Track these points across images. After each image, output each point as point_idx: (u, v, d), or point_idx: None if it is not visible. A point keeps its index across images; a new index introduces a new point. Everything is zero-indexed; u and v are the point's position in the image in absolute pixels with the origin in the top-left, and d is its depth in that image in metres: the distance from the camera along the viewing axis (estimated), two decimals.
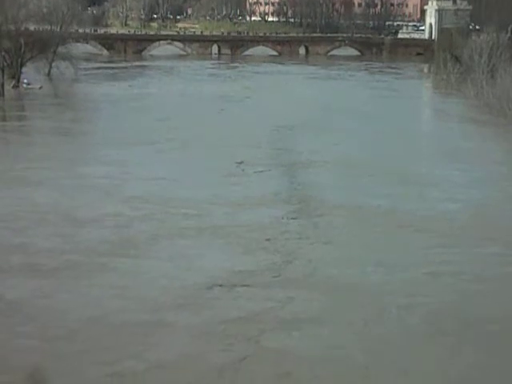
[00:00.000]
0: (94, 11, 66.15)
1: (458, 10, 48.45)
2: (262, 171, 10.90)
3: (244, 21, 67.92)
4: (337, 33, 57.35)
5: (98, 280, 6.55)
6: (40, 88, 24.82)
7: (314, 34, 58.08)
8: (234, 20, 67.29)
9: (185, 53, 43.96)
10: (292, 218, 8.38)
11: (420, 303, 5.88)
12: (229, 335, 5.34)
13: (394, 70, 28.58)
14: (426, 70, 29.55)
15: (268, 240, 7.53)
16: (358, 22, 62.88)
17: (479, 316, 5.89)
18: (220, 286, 6.28)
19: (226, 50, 49.16)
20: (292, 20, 65.63)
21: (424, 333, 5.53)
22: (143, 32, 57.65)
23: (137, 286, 6.37)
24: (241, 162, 11.48)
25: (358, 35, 54.66)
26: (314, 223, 8.20)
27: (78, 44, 33.17)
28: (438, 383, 5.14)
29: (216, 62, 30.70)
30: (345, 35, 54.64)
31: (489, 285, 6.42)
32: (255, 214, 8.57)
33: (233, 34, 56.41)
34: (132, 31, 56.88)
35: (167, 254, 7.28)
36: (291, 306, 5.87)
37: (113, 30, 57.25)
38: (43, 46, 28.36)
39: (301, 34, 57.22)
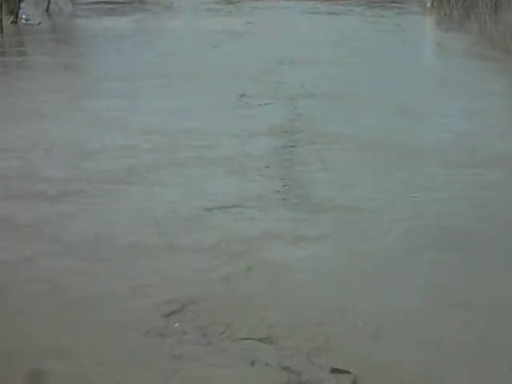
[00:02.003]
0: None
1: None
2: (264, 104, 11.20)
3: None
4: None
5: (104, 204, 6.87)
6: (39, 24, 24.85)
7: None
8: None
9: None
10: (293, 147, 8.76)
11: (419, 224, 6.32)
12: (234, 251, 5.77)
13: (395, 5, 28.52)
14: (428, 5, 29.50)
15: (269, 167, 7.90)
16: None
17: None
18: (223, 208, 6.69)
19: None
20: None
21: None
22: None
23: (143, 209, 6.68)
24: (242, 95, 11.76)
25: None
26: (314, 151, 8.60)
27: None
28: None
29: None
30: None
31: (477, 202, 6.87)
32: (259, 143, 8.93)
33: None
34: None
35: (173, 181, 7.60)
36: (291, 224, 6.32)
37: None
38: None
39: None
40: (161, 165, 8.09)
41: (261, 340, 4.38)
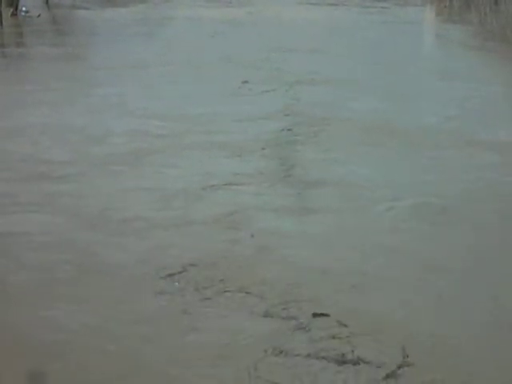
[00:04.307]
0: None
1: None
2: (265, 90, 11.72)
3: None
4: None
5: (109, 184, 7.22)
6: (38, 16, 25.13)
7: None
8: None
9: None
10: (290, 130, 9.29)
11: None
12: (232, 222, 6.26)
13: None
14: None
15: (265, 149, 8.39)
16: None
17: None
18: (222, 185, 7.20)
19: None
20: None
21: None
22: None
23: (147, 188, 7.08)
24: (245, 82, 12.26)
25: None
26: (311, 133, 9.14)
27: None
28: None
29: None
30: None
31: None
32: (258, 127, 9.43)
33: None
34: None
35: (176, 163, 7.96)
36: (285, 199, 6.84)
37: None
38: None
39: None
40: (165, 148, 8.54)
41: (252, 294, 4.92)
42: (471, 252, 5.72)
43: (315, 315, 4.55)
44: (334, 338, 4.33)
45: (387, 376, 3.94)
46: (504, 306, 4.78)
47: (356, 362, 4.05)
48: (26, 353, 4.20)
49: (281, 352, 4.18)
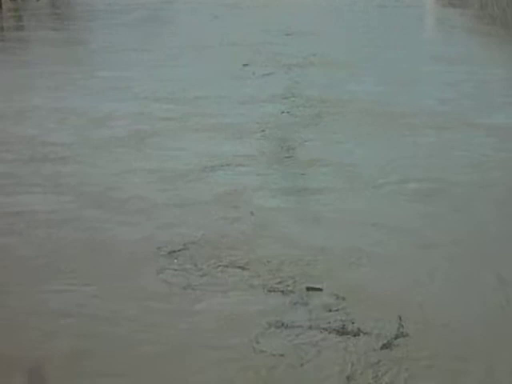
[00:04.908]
0: None
1: None
2: (265, 72, 11.86)
3: None
4: None
5: (112, 165, 7.32)
6: (38, 0, 25.24)
7: None
8: None
9: None
10: (289, 112, 9.44)
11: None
12: (231, 201, 6.42)
13: None
14: None
15: (264, 131, 8.54)
16: None
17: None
18: (222, 166, 7.36)
19: None
20: None
21: None
22: None
23: (148, 169, 7.20)
24: (246, 65, 12.40)
25: None
26: (309, 115, 9.29)
27: None
28: None
29: None
30: None
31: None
32: (258, 109, 9.58)
33: None
34: None
35: (177, 145, 8.07)
36: (283, 179, 7.01)
37: None
38: None
39: None
40: (166, 130, 8.70)
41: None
42: (467, 230, 5.87)
43: (309, 289, 4.72)
44: (333, 310, 4.49)
45: (383, 346, 4.09)
46: (502, 280, 4.94)
47: (356, 333, 4.20)
48: (34, 328, 4.34)
49: (282, 325, 4.32)
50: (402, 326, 4.28)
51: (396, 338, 4.17)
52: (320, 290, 4.72)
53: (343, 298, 4.63)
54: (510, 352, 4.09)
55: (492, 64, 13.08)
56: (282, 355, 4.02)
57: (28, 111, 9.56)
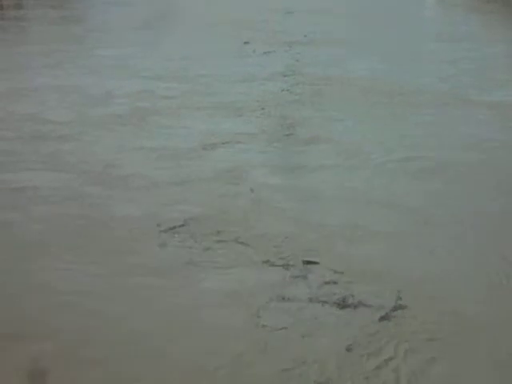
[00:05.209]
0: None
1: None
2: (265, 51, 11.90)
3: None
4: None
5: (112, 142, 7.41)
6: None
7: None
8: None
9: None
10: (288, 90, 9.50)
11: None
12: (231, 177, 6.49)
13: None
14: None
15: (264, 109, 8.60)
16: None
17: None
18: (222, 143, 7.42)
19: None
20: None
21: None
22: None
23: (148, 147, 7.24)
24: (246, 43, 12.44)
25: None
26: (309, 93, 9.35)
27: None
28: None
29: None
30: None
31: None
32: (259, 87, 9.63)
33: None
34: None
35: (177, 123, 8.11)
36: (281, 155, 7.07)
37: None
38: None
39: None
40: (167, 108, 8.73)
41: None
42: (467, 207, 5.94)
43: (305, 262, 4.80)
44: (333, 284, 4.57)
45: (382, 318, 4.18)
46: (502, 257, 5.02)
47: (356, 306, 4.28)
48: (40, 303, 4.39)
49: (283, 298, 4.40)
50: (401, 298, 4.37)
51: (394, 310, 4.26)
52: (317, 263, 4.81)
53: (342, 273, 4.71)
54: (508, 326, 4.16)
55: (493, 42, 13.11)
56: (284, 328, 4.10)
57: (28, 89, 9.59)
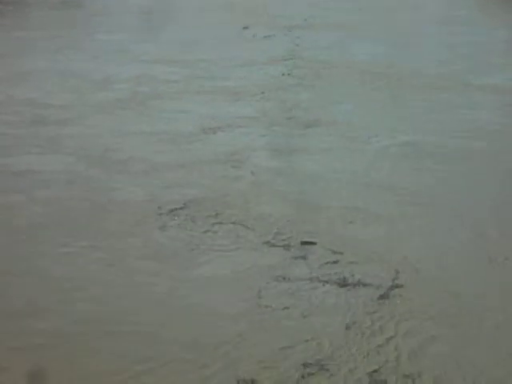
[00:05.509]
0: None
1: None
2: (265, 35, 11.93)
3: None
4: None
5: (112, 125, 7.46)
6: None
7: None
8: None
9: None
10: (289, 74, 9.54)
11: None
12: (232, 160, 6.53)
13: None
14: None
15: (264, 93, 8.64)
16: None
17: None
18: (222, 127, 7.47)
19: None
20: None
21: None
22: None
23: (148, 131, 7.29)
24: (246, 27, 12.46)
25: None
26: (309, 76, 9.40)
27: None
28: None
29: None
30: None
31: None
32: (259, 71, 9.67)
33: None
34: None
35: (178, 107, 8.17)
36: (282, 138, 7.12)
37: None
38: None
39: None
40: (167, 93, 8.76)
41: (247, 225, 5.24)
42: (465, 190, 5.99)
43: (303, 243, 4.86)
44: (332, 264, 4.63)
45: (381, 297, 4.25)
46: (489, 237, 5.09)
47: (356, 285, 4.36)
48: (40, 286, 4.45)
49: (284, 278, 4.47)
50: (399, 278, 4.44)
51: (393, 289, 4.33)
52: (314, 243, 4.87)
53: (342, 253, 4.77)
54: (494, 300, 4.27)
55: (493, 26, 13.13)
56: (286, 308, 4.16)
57: (28, 74, 9.62)
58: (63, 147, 6.91)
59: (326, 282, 4.42)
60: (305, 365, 3.67)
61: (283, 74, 9.44)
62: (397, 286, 4.36)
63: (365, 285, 4.37)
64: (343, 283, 4.39)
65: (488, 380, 3.57)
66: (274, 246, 4.92)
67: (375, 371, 3.62)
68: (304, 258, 4.73)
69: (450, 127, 7.51)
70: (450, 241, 5.02)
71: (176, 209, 5.49)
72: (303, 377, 3.59)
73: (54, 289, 4.40)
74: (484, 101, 8.40)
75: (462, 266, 4.68)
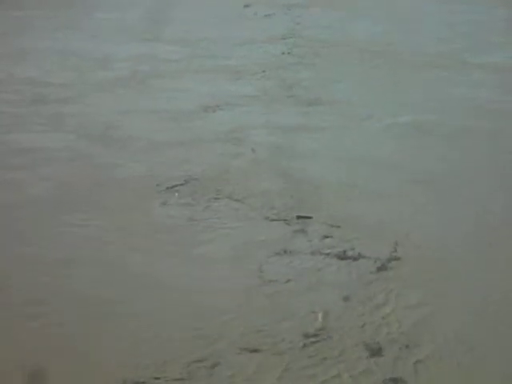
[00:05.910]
0: None
1: None
2: (266, 14, 11.95)
3: None
4: None
5: (112, 104, 7.49)
6: None
7: None
8: None
9: None
10: (289, 53, 9.58)
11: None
12: (234, 137, 6.59)
13: None
14: None
15: (265, 71, 8.69)
16: None
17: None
18: (223, 105, 7.52)
19: None
20: None
21: None
22: None
23: (150, 110, 7.33)
24: (247, 6, 12.49)
25: None
26: (313, 55, 9.44)
27: None
28: None
29: None
30: None
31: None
32: (260, 49, 9.70)
33: None
34: None
35: (178, 86, 8.17)
36: (284, 116, 7.19)
37: None
38: None
39: None
40: (167, 72, 8.80)
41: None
42: (459, 167, 6.07)
43: (299, 217, 4.96)
44: (332, 238, 4.74)
45: (379, 269, 4.38)
46: (490, 211, 5.18)
47: (356, 258, 4.49)
48: (47, 264, 4.52)
49: (285, 252, 4.57)
50: (396, 250, 4.55)
51: (390, 261, 4.44)
52: (310, 217, 4.97)
53: (338, 227, 4.87)
54: (483, 273, 4.41)
55: (493, 4, 13.14)
56: (288, 281, 4.26)
57: (27, 53, 9.65)
58: (64, 125, 6.98)
59: (327, 255, 4.51)
60: (305, 335, 3.77)
61: (283, 53, 9.49)
62: (394, 259, 4.47)
63: (364, 257, 4.47)
64: (344, 256, 4.49)
65: (488, 351, 3.66)
66: (274, 220, 5.00)
67: (373, 340, 3.73)
68: (303, 232, 4.83)
69: (450, 105, 7.56)
70: (450, 218, 5.12)
71: (176, 185, 5.57)
72: (304, 346, 3.70)
73: (52, 265, 4.49)
74: (484, 79, 8.45)
75: (463, 242, 4.78)
